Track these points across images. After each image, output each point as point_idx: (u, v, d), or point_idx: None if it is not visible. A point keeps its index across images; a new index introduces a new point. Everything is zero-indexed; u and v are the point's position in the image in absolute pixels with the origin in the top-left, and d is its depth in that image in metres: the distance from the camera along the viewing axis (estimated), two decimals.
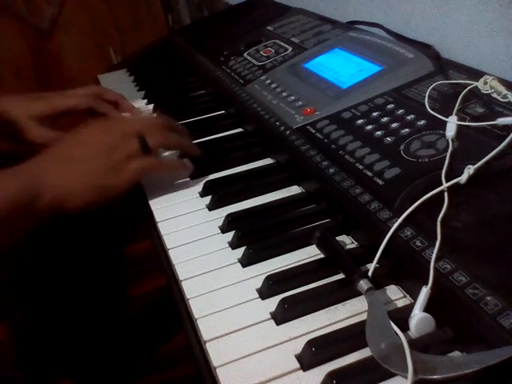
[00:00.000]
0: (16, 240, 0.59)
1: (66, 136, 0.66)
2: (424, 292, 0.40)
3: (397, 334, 0.38)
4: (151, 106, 0.91)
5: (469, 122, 0.53)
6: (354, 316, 0.43)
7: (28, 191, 0.56)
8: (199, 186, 0.65)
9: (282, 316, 0.44)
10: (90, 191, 0.59)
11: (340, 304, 0.44)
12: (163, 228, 0.59)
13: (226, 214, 0.57)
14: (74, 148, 0.62)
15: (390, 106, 0.61)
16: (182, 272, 0.52)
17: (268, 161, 0.69)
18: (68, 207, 0.58)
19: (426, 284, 0.40)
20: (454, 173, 0.47)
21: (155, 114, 0.86)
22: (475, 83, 0.58)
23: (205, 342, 0.43)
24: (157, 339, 1.10)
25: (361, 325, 0.41)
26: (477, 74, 0.60)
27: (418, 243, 0.43)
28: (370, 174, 0.52)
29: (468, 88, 0.58)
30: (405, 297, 0.44)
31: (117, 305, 0.95)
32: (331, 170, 0.55)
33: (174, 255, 0.54)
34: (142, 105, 0.93)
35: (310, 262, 0.50)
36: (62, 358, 0.87)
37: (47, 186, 0.57)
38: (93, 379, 0.93)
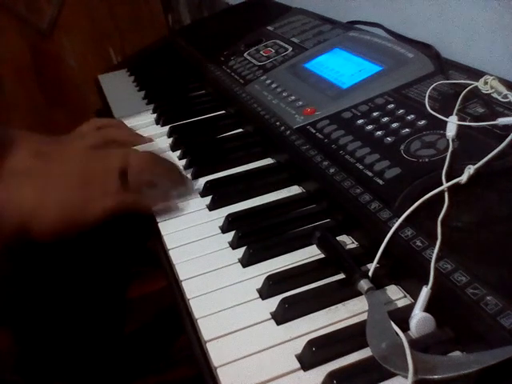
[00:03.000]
0: None
1: (49, 150, 0.62)
2: (424, 292, 0.40)
3: (397, 334, 0.38)
4: (151, 106, 0.91)
5: (469, 122, 0.53)
6: (354, 316, 0.43)
7: None
8: (199, 186, 0.65)
9: (282, 316, 0.44)
10: (57, 220, 0.56)
11: (340, 304, 0.44)
12: (163, 228, 0.59)
13: (226, 214, 0.57)
14: (52, 173, 0.59)
15: (391, 106, 0.61)
16: (182, 272, 0.52)
17: (268, 161, 0.69)
18: (33, 233, 0.55)
19: (427, 284, 0.40)
20: (454, 173, 0.47)
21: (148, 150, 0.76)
22: (475, 83, 0.58)
23: (205, 342, 0.43)
24: (157, 343, 1.09)
25: (361, 325, 0.41)
26: (477, 74, 0.60)
27: (419, 243, 0.43)
28: (370, 173, 0.52)
29: (468, 88, 0.58)
30: (405, 297, 0.44)
31: (116, 307, 0.95)
32: (331, 170, 0.55)
33: (174, 255, 0.54)
34: (143, 105, 0.93)
35: (311, 261, 0.50)
36: (60, 361, 0.87)
37: (14, 208, 0.54)
38: (91, 382, 0.93)
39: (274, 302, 0.45)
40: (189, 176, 0.68)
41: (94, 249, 0.83)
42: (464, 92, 0.57)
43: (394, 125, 0.57)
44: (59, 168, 0.60)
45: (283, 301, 0.44)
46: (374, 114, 0.61)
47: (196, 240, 0.56)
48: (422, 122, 0.56)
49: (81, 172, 0.59)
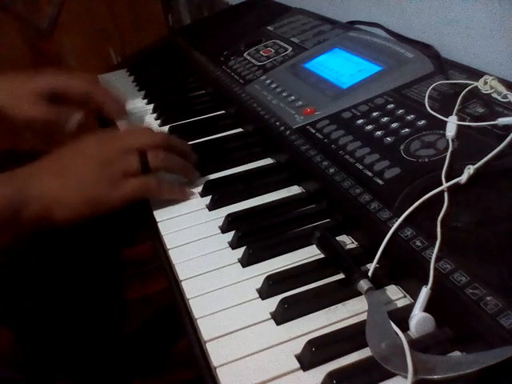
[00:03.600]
0: None
1: (64, 146, 0.63)
2: (424, 292, 0.40)
3: (397, 334, 0.38)
4: (151, 106, 0.91)
5: (469, 122, 0.53)
6: (353, 316, 0.43)
7: (13, 200, 0.54)
8: (199, 186, 0.65)
9: (282, 316, 0.44)
10: (80, 203, 0.57)
11: (340, 304, 0.44)
12: (163, 228, 0.59)
13: (225, 214, 0.57)
14: (70, 158, 0.60)
15: (390, 106, 0.61)
16: (182, 272, 0.52)
17: (268, 161, 0.69)
18: (56, 219, 0.56)
19: (426, 284, 0.40)
20: (454, 173, 0.47)
21: (162, 131, 0.79)
22: (475, 83, 0.58)
23: (205, 342, 0.43)
24: (158, 343, 1.10)
25: (361, 325, 0.41)
26: (477, 74, 0.60)
27: (418, 243, 0.43)
28: (370, 173, 0.52)
29: (468, 88, 0.58)
30: (405, 297, 0.44)
31: (116, 306, 0.95)
32: (331, 170, 0.55)
33: (174, 255, 0.54)
34: (142, 105, 0.93)
35: (310, 262, 0.50)
36: (62, 360, 0.87)
37: (35, 196, 0.55)
38: (92, 381, 0.93)
39: (273, 302, 0.45)
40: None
41: (87, 242, 0.83)
42: (464, 92, 0.57)
43: (394, 125, 0.57)
44: (76, 157, 0.60)
45: (283, 301, 0.44)
46: (374, 113, 0.61)
47: (196, 240, 0.56)
48: (422, 122, 0.56)
49: (99, 154, 0.59)
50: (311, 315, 0.44)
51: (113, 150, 0.59)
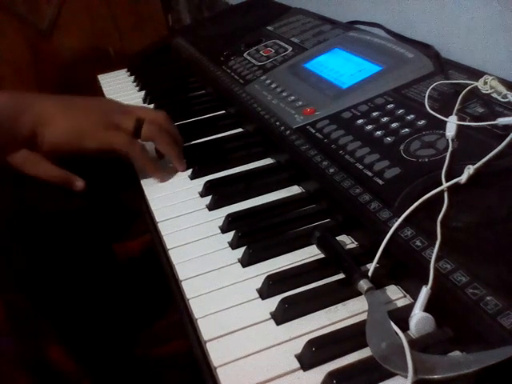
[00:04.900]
0: None
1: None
2: (424, 292, 0.40)
3: (397, 334, 0.38)
4: (151, 106, 0.91)
5: (469, 121, 0.53)
6: (354, 316, 0.43)
7: (12, 105, 0.62)
8: (199, 186, 0.65)
9: (282, 316, 0.44)
10: (69, 130, 0.64)
11: (340, 304, 0.44)
12: (163, 228, 0.59)
13: (226, 214, 0.57)
14: (78, 101, 0.68)
15: (390, 106, 0.61)
16: (182, 272, 0.52)
17: (268, 161, 0.69)
18: (44, 138, 0.63)
19: (426, 284, 0.40)
20: (454, 173, 0.47)
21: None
22: (475, 83, 0.58)
23: (205, 342, 0.43)
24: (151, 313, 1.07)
25: (361, 325, 0.41)
26: (477, 74, 0.60)
27: (418, 243, 0.43)
28: (369, 173, 0.52)
29: (468, 88, 0.58)
30: (405, 297, 0.44)
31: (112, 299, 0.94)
32: (331, 170, 0.55)
33: (174, 255, 0.54)
34: (143, 105, 0.93)
35: (310, 262, 0.50)
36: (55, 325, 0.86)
37: (33, 109, 0.63)
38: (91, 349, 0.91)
39: (273, 302, 0.45)
40: (188, 175, 0.68)
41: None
42: (464, 92, 0.57)
43: (394, 125, 0.57)
44: (83, 101, 0.69)
45: (283, 301, 0.44)
46: (374, 113, 0.61)
47: (196, 240, 0.56)
48: (422, 122, 0.56)
49: (105, 108, 0.68)
50: (311, 315, 0.44)
51: (116, 110, 0.68)
